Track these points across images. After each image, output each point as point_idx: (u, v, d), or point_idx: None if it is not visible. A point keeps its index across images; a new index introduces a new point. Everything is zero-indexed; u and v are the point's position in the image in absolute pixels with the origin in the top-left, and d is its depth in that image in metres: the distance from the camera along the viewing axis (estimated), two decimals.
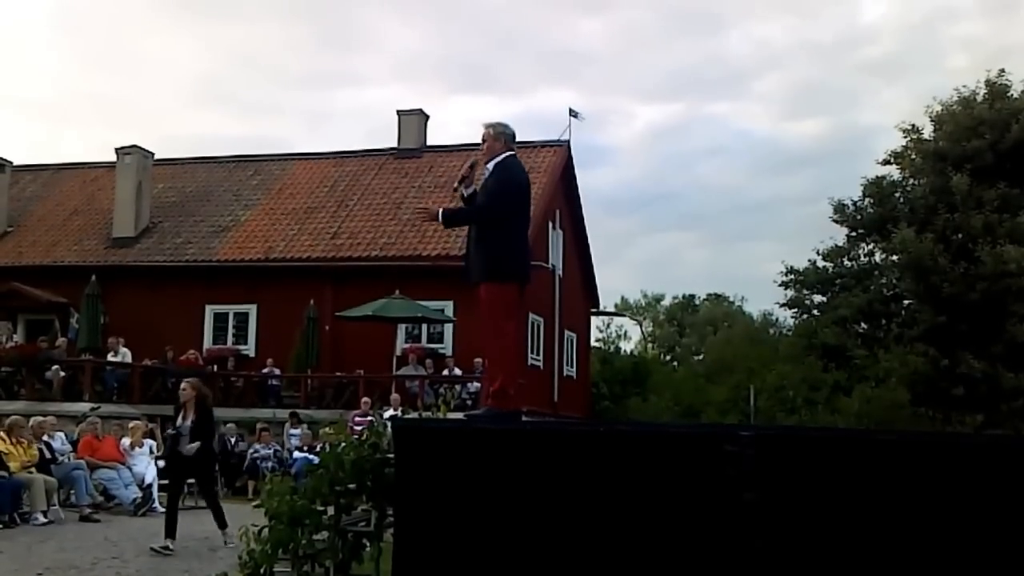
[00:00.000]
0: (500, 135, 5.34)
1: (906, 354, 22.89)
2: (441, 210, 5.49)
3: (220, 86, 65.92)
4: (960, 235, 23.57)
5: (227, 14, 63.12)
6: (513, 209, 5.32)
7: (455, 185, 5.54)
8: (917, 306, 24.55)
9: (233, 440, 16.27)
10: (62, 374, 17.27)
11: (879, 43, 63.76)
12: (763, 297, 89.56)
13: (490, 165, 5.36)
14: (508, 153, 5.36)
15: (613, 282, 75.65)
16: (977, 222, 22.80)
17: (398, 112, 25.04)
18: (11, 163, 25.60)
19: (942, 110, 25.22)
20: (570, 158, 24.23)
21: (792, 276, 27.85)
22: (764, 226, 70.00)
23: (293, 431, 16.43)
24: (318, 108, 67.76)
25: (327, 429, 6.13)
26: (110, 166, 24.60)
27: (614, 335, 47.81)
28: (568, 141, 23.85)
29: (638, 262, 67.69)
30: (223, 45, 64.25)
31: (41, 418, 12.59)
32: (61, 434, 12.86)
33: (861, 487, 3.81)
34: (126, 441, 13.05)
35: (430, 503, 4.28)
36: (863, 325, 26.50)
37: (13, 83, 61.26)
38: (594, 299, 28.71)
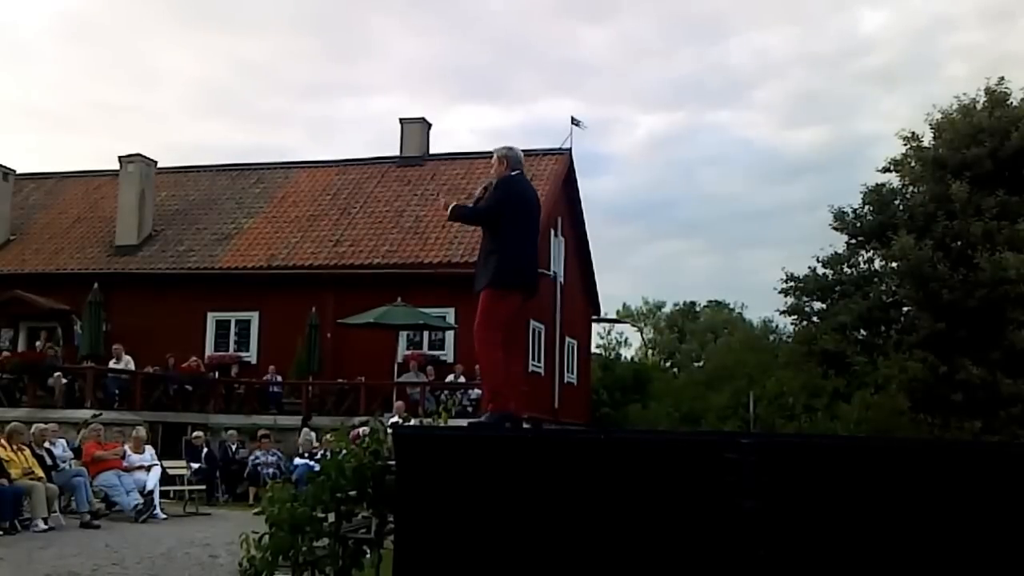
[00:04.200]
0: (504, 158, 5.75)
1: (905, 360, 22.87)
2: (453, 204, 5.83)
3: (223, 95, 66.13)
4: (959, 242, 23.57)
5: (230, 24, 63.34)
6: (510, 214, 5.57)
7: (471, 205, 6.00)
8: (916, 313, 24.54)
9: (234, 447, 16.28)
10: (64, 381, 17.30)
11: (878, 53, 63.93)
12: (763, 304, 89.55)
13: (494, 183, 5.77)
14: (514, 173, 5.75)
15: (614, 289, 75.71)
16: (976, 229, 22.80)
17: (401, 120, 25.11)
18: (15, 171, 25.65)
19: (942, 118, 25.22)
20: (572, 166, 24.28)
21: (792, 283, 27.86)
22: (764, 234, 70.13)
23: (310, 435, 16.42)
24: (321, 117, 67.96)
25: (328, 436, 6.16)
26: (113, 174, 24.65)
27: (615, 342, 47.91)
28: (570, 149, 23.92)
29: (639, 269, 67.74)
30: (226, 54, 64.47)
31: (43, 425, 12.62)
32: (63, 441, 12.90)
33: (861, 494, 3.83)
34: (128, 447, 13.09)
35: (431, 510, 4.31)
36: (863, 332, 26.48)
37: (17, 91, 61.47)
38: (595, 306, 28.73)
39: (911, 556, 3.75)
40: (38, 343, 20.35)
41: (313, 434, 16.21)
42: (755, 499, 3.82)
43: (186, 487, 13.79)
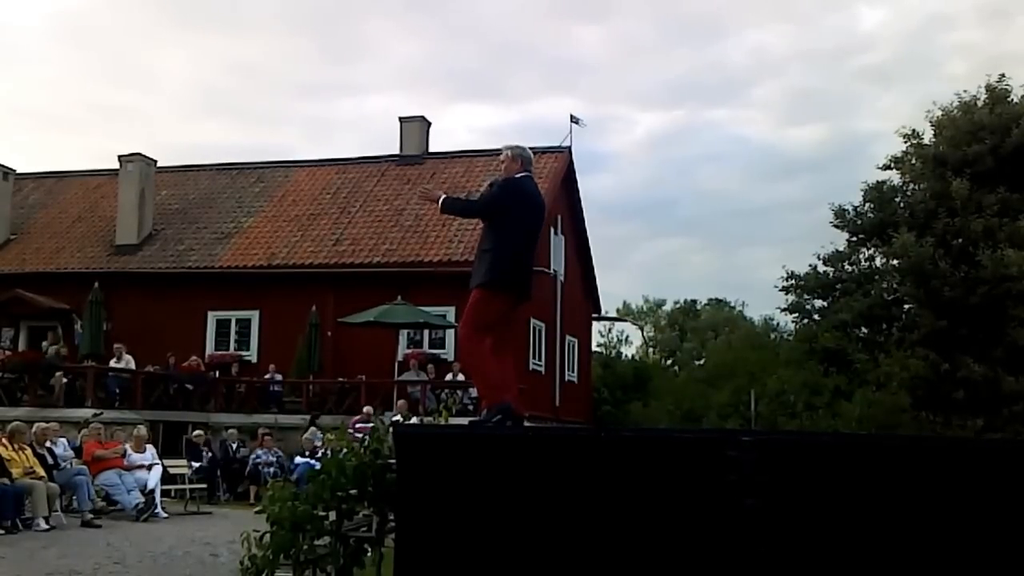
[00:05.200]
0: (518, 157, 5.67)
1: (907, 358, 22.85)
2: (443, 196, 5.73)
3: (223, 95, 66.12)
4: (960, 239, 23.56)
5: (229, 25, 63.32)
6: (510, 214, 5.48)
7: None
8: (917, 310, 24.52)
9: (235, 446, 16.28)
10: (64, 380, 17.31)
11: (877, 50, 63.93)
12: (764, 302, 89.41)
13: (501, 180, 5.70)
14: (524, 174, 5.65)
15: (614, 287, 75.80)
16: (977, 226, 22.80)
17: (400, 119, 25.09)
18: (15, 171, 25.65)
19: (942, 115, 25.21)
20: (571, 164, 24.26)
21: (793, 281, 27.84)
22: (765, 231, 70.12)
23: (316, 434, 16.43)
24: (320, 116, 67.94)
25: (329, 435, 6.16)
26: (113, 174, 24.64)
27: (615, 340, 47.93)
28: (569, 147, 23.88)
29: (639, 267, 67.74)
30: (226, 55, 64.42)
31: (44, 424, 12.63)
32: (64, 440, 12.90)
33: (862, 492, 3.82)
34: (129, 446, 13.10)
35: (431, 508, 4.30)
36: (864, 329, 26.46)
37: (16, 91, 61.45)
38: (595, 304, 28.72)
39: (912, 554, 3.74)
40: (44, 343, 20.38)
41: (319, 433, 16.23)
42: (756, 497, 3.81)
43: (187, 486, 13.78)
